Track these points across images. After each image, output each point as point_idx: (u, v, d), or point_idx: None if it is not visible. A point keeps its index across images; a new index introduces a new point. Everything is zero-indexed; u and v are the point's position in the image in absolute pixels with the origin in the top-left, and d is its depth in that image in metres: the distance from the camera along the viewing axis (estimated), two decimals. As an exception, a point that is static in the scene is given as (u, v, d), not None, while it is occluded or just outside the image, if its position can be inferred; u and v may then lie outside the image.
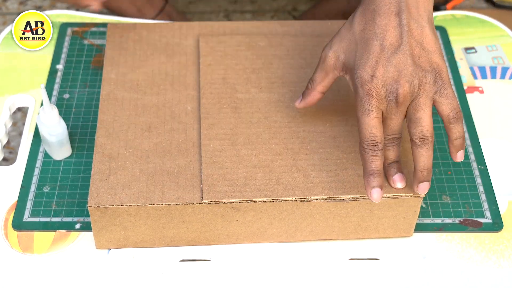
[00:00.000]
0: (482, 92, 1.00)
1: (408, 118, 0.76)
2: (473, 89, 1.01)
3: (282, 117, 0.85)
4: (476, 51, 1.05)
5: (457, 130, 0.77)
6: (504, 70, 1.03)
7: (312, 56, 0.92)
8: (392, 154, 0.78)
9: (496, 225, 0.85)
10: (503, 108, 0.99)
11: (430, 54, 0.75)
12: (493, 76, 1.02)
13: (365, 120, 0.75)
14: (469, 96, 0.99)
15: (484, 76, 1.02)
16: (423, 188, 0.77)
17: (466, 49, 1.06)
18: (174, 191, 0.78)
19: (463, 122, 0.89)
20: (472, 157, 0.91)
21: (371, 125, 0.75)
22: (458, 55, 1.04)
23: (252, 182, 0.79)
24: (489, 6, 1.51)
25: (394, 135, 0.77)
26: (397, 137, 0.77)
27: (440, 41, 1.05)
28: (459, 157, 0.78)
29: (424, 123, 0.75)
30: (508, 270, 0.82)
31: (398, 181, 0.78)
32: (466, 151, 0.91)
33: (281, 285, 0.80)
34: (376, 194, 0.75)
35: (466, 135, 0.93)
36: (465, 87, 1.00)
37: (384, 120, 0.76)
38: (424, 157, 0.76)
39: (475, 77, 1.02)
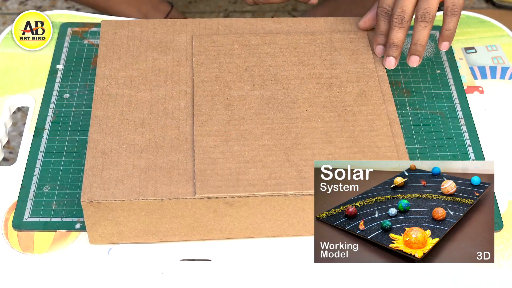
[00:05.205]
0: (482, 92, 1.00)
1: None
2: (473, 89, 1.00)
3: (275, 114, 0.85)
4: (476, 51, 1.05)
5: (450, 23, 0.89)
6: (504, 70, 1.02)
7: (304, 53, 0.92)
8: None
9: (496, 225, 0.85)
10: (503, 108, 0.98)
11: None
12: (493, 76, 1.02)
13: None
14: (469, 96, 0.99)
15: (484, 76, 1.02)
16: (414, 61, 0.90)
17: (466, 49, 1.05)
18: (166, 186, 0.78)
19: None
20: (472, 156, 0.91)
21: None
22: (458, 55, 1.04)
23: (245, 177, 0.79)
24: (489, 6, 1.51)
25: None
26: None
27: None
28: (444, 46, 0.92)
29: (431, 3, 0.86)
30: (508, 270, 0.81)
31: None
32: (466, 151, 0.91)
33: (279, 282, 0.80)
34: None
35: (466, 135, 0.93)
36: (465, 87, 1.00)
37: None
38: (421, 33, 0.88)
39: (475, 77, 1.02)
